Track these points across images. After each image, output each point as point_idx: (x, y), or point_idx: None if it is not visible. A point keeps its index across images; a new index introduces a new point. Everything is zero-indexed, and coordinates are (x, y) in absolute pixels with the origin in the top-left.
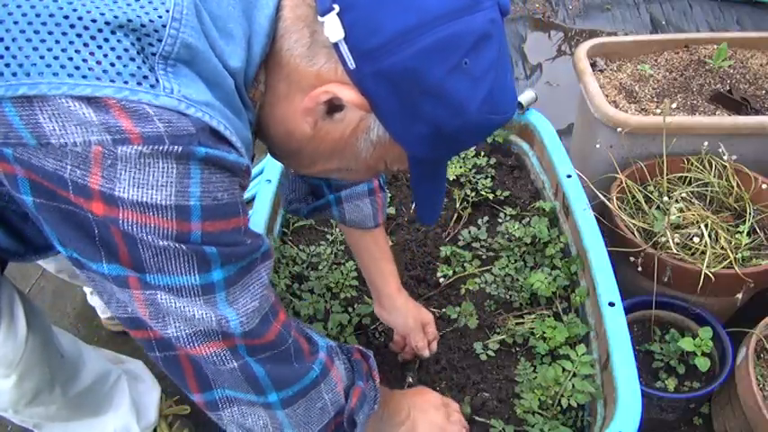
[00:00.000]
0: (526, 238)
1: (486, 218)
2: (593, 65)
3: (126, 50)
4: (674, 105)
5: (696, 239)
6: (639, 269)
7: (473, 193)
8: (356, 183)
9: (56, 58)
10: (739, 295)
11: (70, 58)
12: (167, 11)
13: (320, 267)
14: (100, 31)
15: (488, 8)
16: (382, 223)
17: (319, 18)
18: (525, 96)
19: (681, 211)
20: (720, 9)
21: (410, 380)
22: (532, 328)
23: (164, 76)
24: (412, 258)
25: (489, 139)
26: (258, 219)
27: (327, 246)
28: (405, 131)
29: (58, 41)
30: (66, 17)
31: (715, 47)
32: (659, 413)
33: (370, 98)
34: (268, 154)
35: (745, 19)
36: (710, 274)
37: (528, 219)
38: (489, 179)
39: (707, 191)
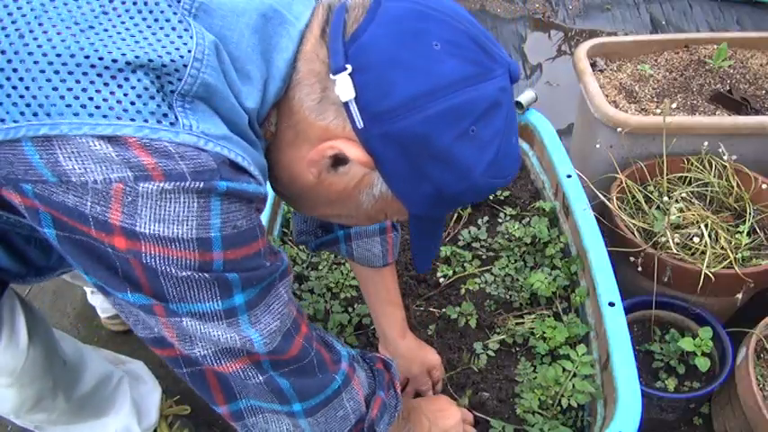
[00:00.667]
0: (526, 238)
1: (486, 218)
2: (593, 65)
3: (146, 89)
4: (674, 105)
5: (696, 239)
6: (639, 269)
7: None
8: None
9: (76, 98)
10: (739, 295)
11: (90, 98)
12: (189, 51)
13: (320, 267)
14: (120, 70)
15: (499, 76)
16: (392, 263)
17: (331, 76)
18: (525, 96)
19: (681, 211)
20: (720, 9)
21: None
22: (532, 328)
23: (182, 113)
24: (412, 258)
25: None
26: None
27: None
28: (409, 190)
29: (78, 81)
30: (86, 57)
31: (715, 47)
32: (659, 413)
33: (376, 157)
34: None
35: (745, 19)
36: (710, 274)
37: (528, 219)
38: None
39: (707, 191)
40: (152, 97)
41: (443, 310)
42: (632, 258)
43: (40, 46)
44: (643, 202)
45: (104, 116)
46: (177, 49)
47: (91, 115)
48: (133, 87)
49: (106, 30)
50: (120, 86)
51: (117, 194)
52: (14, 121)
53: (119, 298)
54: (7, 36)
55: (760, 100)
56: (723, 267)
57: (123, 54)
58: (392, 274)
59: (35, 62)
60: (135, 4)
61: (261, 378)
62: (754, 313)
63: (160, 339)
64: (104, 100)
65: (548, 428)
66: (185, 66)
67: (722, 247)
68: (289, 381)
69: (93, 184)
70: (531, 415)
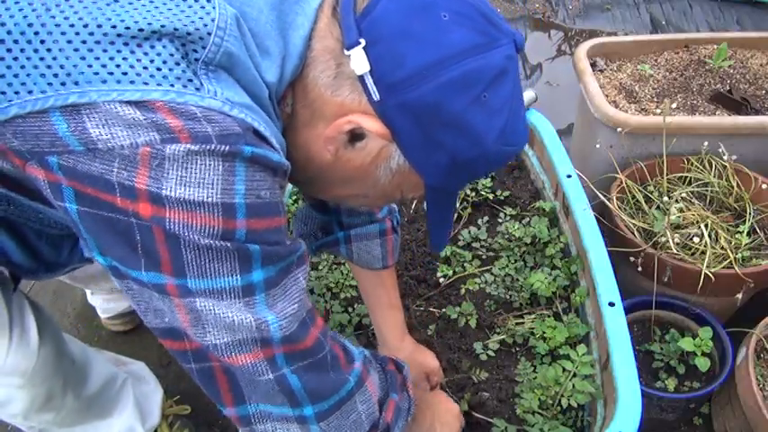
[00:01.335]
0: (526, 238)
1: (486, 218)
2: (593, 65)
3: (171, 56)
4: (674, 105)
5: (696, 239)
6: (639, 269)
7: (473, 193)
8: (370, 211)
9: (103, 66)
10: (739, 295)
11: (117, 66)
12: (213, 20)
13: (320, 267)
14: (146, 39)
15: (505, 45)
16: (392, 265)
17: (345, 51)
18: (525, 96)
19: (681, 211)
20: (720, 9)
21: None
22: (532, 328)
23: (206, 79)
24: (412, 258)
25: None
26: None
27: None
28: (424, 160)
29: (105, 50)
30: (113, 27)
31: (715, 47)
32: (659, 413)
33: (393, 128)
34: None
35: (745, 19)
36: (710, 274)
37: (528, 219)
38: (489, 179)
39: (707, 191)
40: (177, 63)
41: (443, 310)
42: (632, 258)
43: (66, 17)
44: (643, 202)
45: (131, 82)
46: (201, 18)
47: (119, 81)
48: (159, 54)
49: (131, 2)
50: (146, 54)
51: (144, 158)
52: (42, 92)
53: (132, 278)
54: (34, 10)
55: (760, 100)
56: (723, 267)
57: (149, 23)
58: (392, 277)
59: (62, 33)
60: None
61: (272, 375)
62: (754, 313)
63: (171, 329)
64: (131, 67)
65: (548, 428)
66: (209, 34)
67: (722, 247)
68: (301, 380)
69: (120, 150)
70: (531, 415)
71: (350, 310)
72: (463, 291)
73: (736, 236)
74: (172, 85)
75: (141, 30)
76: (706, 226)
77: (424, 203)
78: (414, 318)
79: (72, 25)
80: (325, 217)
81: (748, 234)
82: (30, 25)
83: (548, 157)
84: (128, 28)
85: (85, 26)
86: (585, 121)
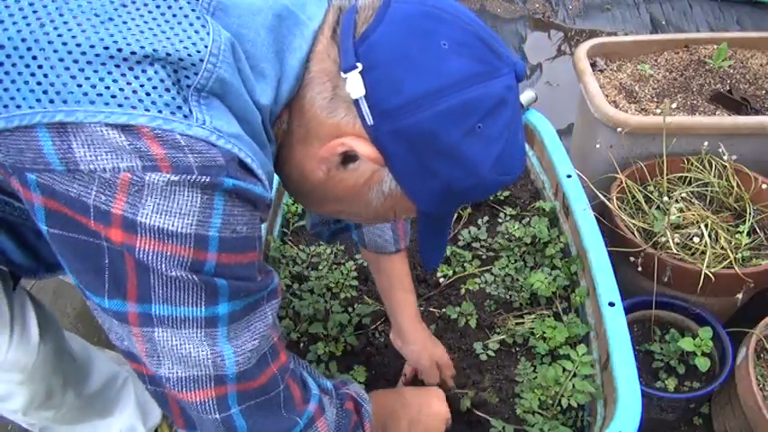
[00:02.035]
0: (526, 238)
1: (486, 218)
2: (593, 65)
3: (162, 81)
4: (674, 105)
5: (696, 239)
6: (639, 269)
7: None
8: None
9: (93, 86)
10: (739, 295)
11: (107, 87)
12: (206, 46)
13: (320, 267)
14: (138, 62)
15: (505, 75)
16: (404, 249)
17: (342, 74)
18: (525, 96)
19: (681, 211)
20: (720, 9)
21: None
22: (532, 328)
23: (196, 107)
24: (412, 258)
25: None
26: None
27: (327, 246)
28: (417, 187)
29: (95, 71)
30: (106, 48)
31: (715, 47)
32: (659, 413)
33: (386, 154)
34: None
35: (745, 19)
36: (710, 274)
37: (528, 219)
38: None
39: (707, 191)
40: (167, 89)
41: (443, 310)
42: (632, 258)
43: (60, 35)
44: (643, 202)
45: (119, 105)
46: (194, 44)
47: (107, 104)
48: (149, 79)
49: (125, 22)
50: (136, 77)
51: (124, 184)
52: (30, 108)
53: (95, 303)
54: (28, 25)
55: (760, 100)
56: (723, 267)
57: (141, 46)
58: (404, 262)
59: (54, 51)
60: None
61: (218, 415)
62: (754, 313)
63: (130, 353)
64: (120, 90)
65: (548, 428)
66: (201, 61)
67: (722, 247)
68: (248, 422)
69: (101, 173)
70: (531, 415)
71: (350, 310)
72: (463, 291)
73: (736, 236)
74: (160, 112)
75: (134, 53)
76: (706, 226)
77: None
78: None
79: (65, 43)
80: None
81: (748, 234)
82: (23, 40)
83: (548, 157)
84: (120, 50)
85: (78, 45)
86: (585, 121)
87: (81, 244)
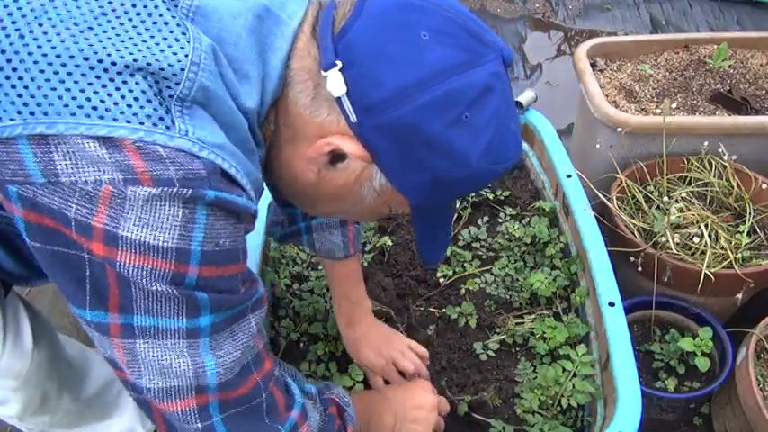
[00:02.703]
0: (526, 238)
1: (486, 218)
2: (593, 65)
3: (143, 92)
4: (674, 105)
5: (696, 239)
6: (639, 269)
7: (473, 193)
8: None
9: (73, 98)
10: (739, 295)
11: (88, 99)
12: (186, 55)
13: (320, 267)
14: (119, 73)
15: (491, 61)
16: (354, 254)
17: (322, 72)
18: (525, 96)
19: (681, 211)
20: (720, 9)
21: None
22: (532, 328)
23: (179, 118)
24: (412, 258)
25: None
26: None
27: None
28: (406, 181)
29: (76, 82)
30: (86, 59)
31: (715, 47)
32: (659, 413)
33: (372, 150)
34: None
35: (745, 19)
36: (710, 274)
37: (528, 219)
38: None
39: (707, 191)
40: (149, 101)
41: (443, 310)
42: (632, 258)
43: (39, 46)
44: (643, 202)
45: (101, 117)
46: (175, 53)
47: (87, 116)
48: (131, 90)
49: (105, 31)
50: (117, 89)
51: (105, 196)
52: (11, 120)
53: (77, 315)
54: (7, 36)
55: (760, 100)
56: (723, 267)
57: (122, 57)
58: (355, 267)
59: (34, 62)
60: (134, 6)
61: (200, 425)
62: (754, 313)
63: (113, 361)
64: (101, 101)
65: (548, 428)
66: (183, 70)
67: (722, 247)
68: (230, 430)
69: (82, 185)
70: (531, 415)
71: None
72: (463, 291)
73: (736, 236)
74: (141, 123)
75: (114, 63)
76: (706, 226)
77: None
78: (414, 318)
79: (45, 55)
80: (289, 209)
81: (748, 234)
82: (2, 52)
83: (548, 157)
84: (100, 61)
85: (58, 56)
86: (585, 121)
87: (62, 256)
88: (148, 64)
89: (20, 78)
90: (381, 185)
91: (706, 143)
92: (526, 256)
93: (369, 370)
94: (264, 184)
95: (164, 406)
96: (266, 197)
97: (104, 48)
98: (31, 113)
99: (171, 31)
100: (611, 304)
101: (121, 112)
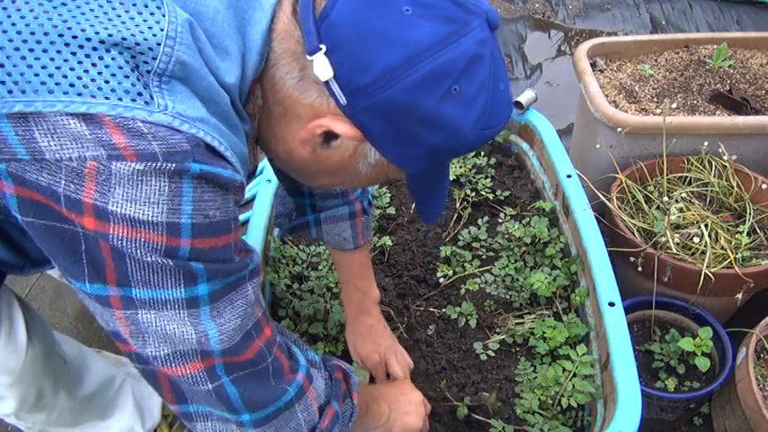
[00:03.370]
0: (526, 238)
1: (486, 218)
2: (593, 65)
3: (120, 68)
4: (674, 105)
5: (696, 239)
6: (639, 269)
7: (473, 193)
8: (344, 192)
9: (50, 75)
10: (739, 295)
11: (65, 76)
12: (162, 29)
13: (320, 267)
14: (94, 49)
15: (476, 29)
16: (364, 245)
17: (308, 57)
18: (525, 96)
19: (681, 211)
20: (720, 9)
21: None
22: (532, 328)
23: (158, 92)
24: (412, 258)
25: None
26: (258, 219)
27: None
28: (401, 155)
29: (52, 59)
30: (60, 35)
31: (715, 47)
32: (659, 413)
33: (364, 129)
34: None
35: (745, 19)
36: (710, 274)
37: (528, 219)
38: (489, 179)
39: (707, 191)
40: (126, 76)
41: (443, 310)
42: (632, 258)
43: (14, 24)
44: (643, 202)
45: (78, 94)
46: (150, 27)
47: (65, 93)
48: (107, 66)
49: (79, 6)
50: (94, 65)
51: (91, 172)
52: None
53: (77, 288)
54: None
55: (760, 100)
56: (723, 267)
57: (97, 32)
58: (364, 257)
59: (9, 40)
60: None
61: (210, 385)
62: (754, 313)
63: (116, 333)
64: (78, 78)
65: (548, 428)
66: (158, 44)
67: (722, 247)
68: (239, 390)
69: (67, 162)
70: (531, 415)
71: None
72: (463, 291)
73: (736, 236)
74: (120, 99)
75: (89, 39)
76: (706, 226)
77: None
78: (414, 318)
79: (19, 32)
80: (298, 199)
81: (748, 234)
82: None
83: (548, 157)
84: (75, 37)
85: (32, 33)
86: (585, 121)
87: (56, 231)
88: (123, 39)
89: None
90: (377, 160)
91: (706, 143)
92: (526, 256)
93: (361, 362)
94: (266, 158)
95: (172, 371)
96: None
97: (78, 24)
98: (9, 92)
99: (146, 5)
100: (611, 304)
101: (99, 89)
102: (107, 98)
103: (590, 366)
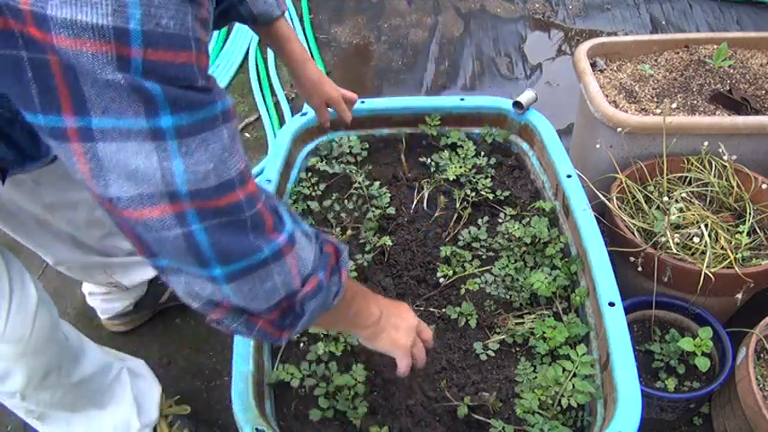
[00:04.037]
0: (526, 238)
1: (486, 218)
2: (593, 65)
3: None
4: (674, 105)
5: (696, 239)
6: (639, 269)
7: (473, 193)
8: None
9: None
10: (739, 295)
11: None
12: None
13: None
14: None
15: None
16: (283, 13)
17: None
18: (525, 96)
19: (681, 211)
20: (720, 9)
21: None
22: (532, 328)
23: None
24: (412, 258)
25: (489, 139)
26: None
27: None
28: None
29: None
30: None
31: (715, 47)
32: (659, 413)
33: None
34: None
35: (745, 19)
36: (710, 274)
37: (528, 219)
38: (489, 179)
39: (707, 191)
40: None
41: (443, 310)
42: (632, 258)
43: None
44: (643, 202)
45: None
46: None
47: None
48: None
49: None
50: None
51: None
52: None
53: (34, 124)
54: None
55: (760, 100)
56: (723, 267)
57: None
58: (288, 25)
59: None
60: None
61: (180, 230)
62: (754, 313)
63: (83, 180)
64: None
65: (548, 428)
66: None
67: (722, 247)
68: (210, 238)
69: None
70: (531, 415)
71: None
72: (463, 291)
73: (736, 236)
74: None
75: None
76: (706, 226)
77: (424, 203)
78: None
79: None
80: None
81: (748, 234)
82: None
83: (548, 157)
84: None
85: None
86: (585, 121)
87: (6, 58)
88: None
89: None
90: None
91: (706, 143)
92: (526, 256)
93: (320, 102)
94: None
95: (138, 214)
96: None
97: None
98: None
99: None
100: (611, 304)
101: None
102: None
103: (590, 366)
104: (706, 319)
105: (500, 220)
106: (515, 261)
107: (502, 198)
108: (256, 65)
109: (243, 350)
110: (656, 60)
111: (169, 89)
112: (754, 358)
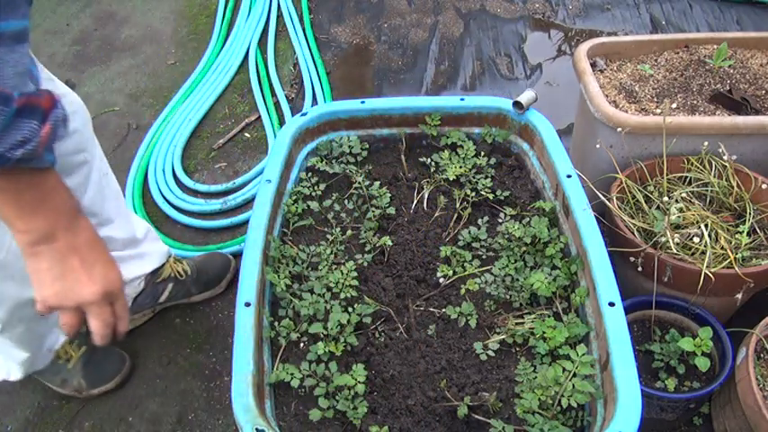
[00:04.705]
0: (526, 238)
1: (486, 218)
2: (593, 65)
3: None
4: (674, 105)
5: (696, 239)
6: (639, 269)
7: (473, 193)
8: None
9: None
10: (739, 295)
11: None
12: None
13: (320, 267)
14: None
15: None
16: None
17: None
18: (525, 96)
19: (681, 211)
20: (720, 9)
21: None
22: (532, 328)
23: None
24: (412, 258)
25: (489, 139)
26: (258, 219)
27: (327, 246)
28: None
29: None
30: None
31: (715, 47)
32: (659, 413)
33: None
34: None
35: (745, 19)
36: (710, 274)
37: (528, 219)
38: (489, 179)
39: (707, 191)
40: None
41: (443, 310)
42: (632, 258)
43: None
44: (643, 202)
45: None
46: None
47: None
48: None
49: None
50: None
51: None
52: None
53: None
54: None
55: (760, 100)
56: (723, 267)
57: None
58: None
59: None
60: None
61: None
62: (754, 313)
63: None
64: None
65: (548, 428)
66: None
67: (722, 247)
68: None
69: None
70: (531, 415)
71: (350, 310)
72: (463, 291)
73: (736, 236)
74: None
75: None
76: (706, 226)
77: (424, 203)
78: (414, 318)
79: None
80: None
81: (748, 234)
82: None
83: (548, 157)
84: None
85: None
86: (585, 121)
87: None
88: None
89: None
90: None
91: (706, 143)
92: (526, 256)
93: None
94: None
95: None
96: (269, 190)
97: None
98: None
99: None
100: (611, 304)
101: None
102: None
103: (590, 366)
104: (706, 319)
105: (500, 220)
106: (515, 261)
107: (502, 198)
108: (256, 65)
109: (243, 350)
110: (656, 60)
111: None
112: (754, 358)
